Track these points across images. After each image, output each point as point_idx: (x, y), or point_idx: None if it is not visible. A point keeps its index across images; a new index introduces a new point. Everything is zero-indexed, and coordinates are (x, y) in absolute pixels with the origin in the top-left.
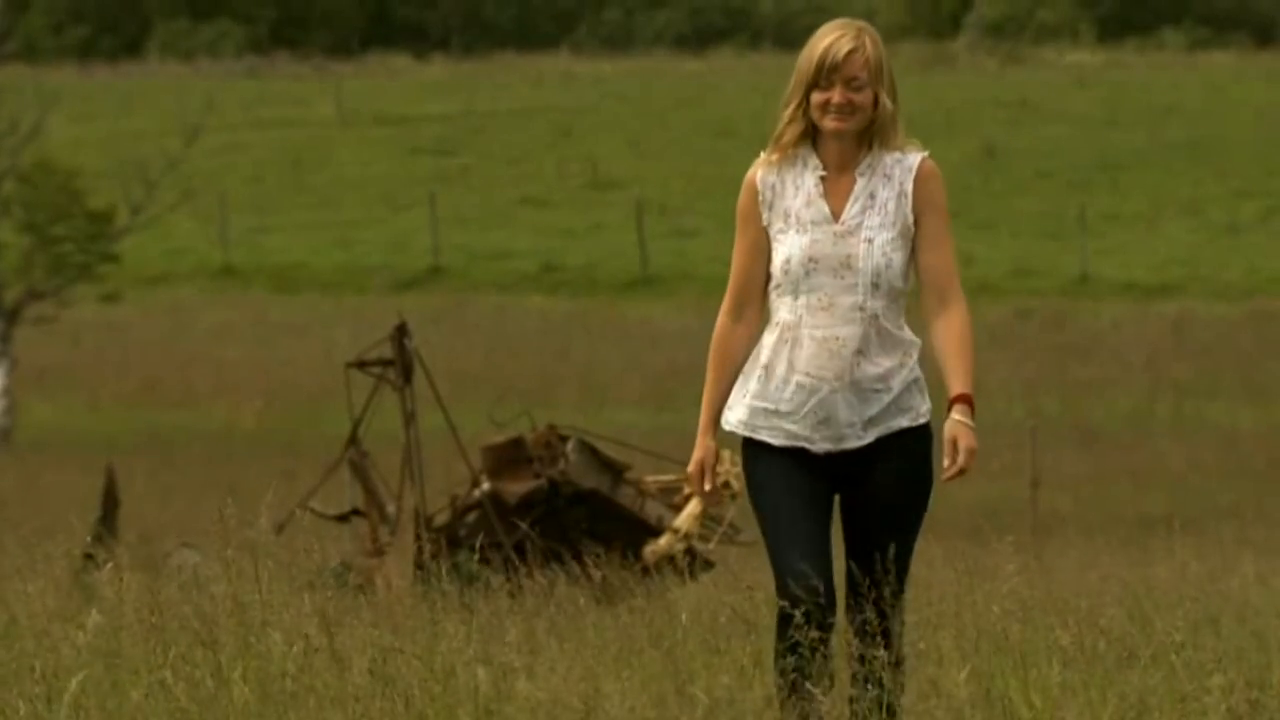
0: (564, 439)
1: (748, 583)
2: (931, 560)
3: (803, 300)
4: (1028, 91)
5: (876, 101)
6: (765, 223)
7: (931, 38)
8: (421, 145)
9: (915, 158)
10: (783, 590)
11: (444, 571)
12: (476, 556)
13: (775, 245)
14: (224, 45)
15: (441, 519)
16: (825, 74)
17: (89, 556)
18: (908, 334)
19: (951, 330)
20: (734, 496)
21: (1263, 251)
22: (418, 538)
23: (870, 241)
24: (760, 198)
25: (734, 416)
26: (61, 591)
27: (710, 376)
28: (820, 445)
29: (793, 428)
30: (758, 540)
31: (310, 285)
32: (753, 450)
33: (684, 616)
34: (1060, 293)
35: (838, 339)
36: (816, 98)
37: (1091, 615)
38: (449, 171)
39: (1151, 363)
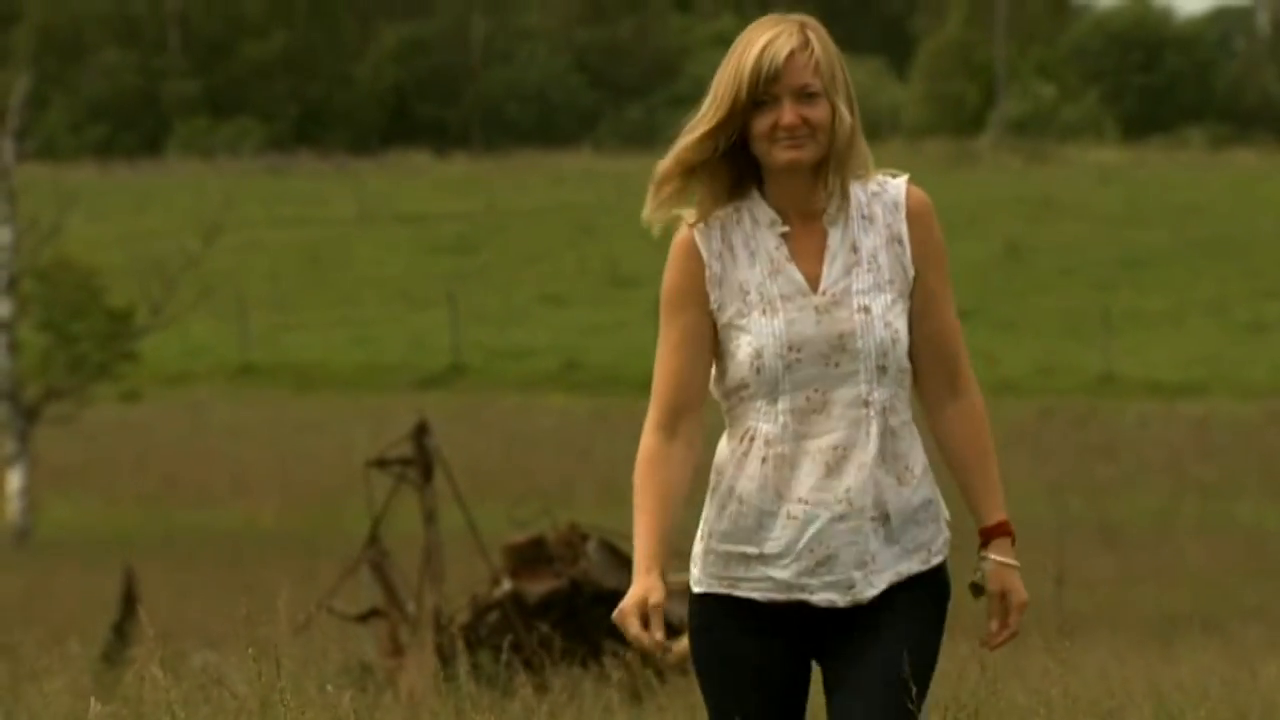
0: (585, 538)
1: None
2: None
3: (784, 404)
4: (1051, 189)
5: (834, 115)
6: (714, 305)
7: (956, 136)
8: (442, 243)
9: (898, 186)
10: None
11: (465, 671)
12: (499, 655)
13: (733, 336)
14: (243, 143)
15: (462, 618)
16: (764, 86)
17: (108, 657)
18: (915, 432)
19: (970, 428)
20: None
21: None
22: (438, 637)
23: (867, 311)
24: (707, 271)
25: (694, 568)
26: (80, 692)
27: (645, 506)
28: (822, 595)
29: (783, 575)
30: None
31: (330, 384)
32: (708, 613)
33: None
34: (1084, 392)
35: (836, 449)
36: (759, 123)
37: (1117, 713)
38: (469, 269)
39: (1176, 462)
